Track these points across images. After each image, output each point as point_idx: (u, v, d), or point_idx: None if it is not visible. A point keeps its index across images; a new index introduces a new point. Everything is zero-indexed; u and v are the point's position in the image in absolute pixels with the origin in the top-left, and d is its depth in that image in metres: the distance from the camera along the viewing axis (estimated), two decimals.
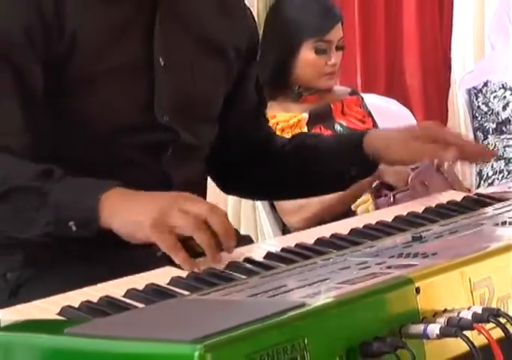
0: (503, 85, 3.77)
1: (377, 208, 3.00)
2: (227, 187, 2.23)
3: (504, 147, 3.85)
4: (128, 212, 1.57)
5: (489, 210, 1.87)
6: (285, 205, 3.10)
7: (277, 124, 3.12)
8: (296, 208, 3.06)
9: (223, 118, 2.03)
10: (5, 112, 1.74)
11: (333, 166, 2.04)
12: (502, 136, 3.85)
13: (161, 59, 1.85)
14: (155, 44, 1.85)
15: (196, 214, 1.52)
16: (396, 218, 1.83)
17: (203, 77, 1.95)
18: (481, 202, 1.94)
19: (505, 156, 3.85)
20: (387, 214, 1.85)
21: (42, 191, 1.62)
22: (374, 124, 3.25)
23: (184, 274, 1.52)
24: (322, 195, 2.44)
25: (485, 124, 3.86)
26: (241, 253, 1.65)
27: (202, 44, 1.94)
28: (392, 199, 2.85)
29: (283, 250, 1.64)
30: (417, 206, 1.91)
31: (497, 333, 1.27)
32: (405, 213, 1.86)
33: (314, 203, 3.00)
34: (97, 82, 1.81)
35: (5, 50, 1.75)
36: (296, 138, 2.16)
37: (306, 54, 3.14)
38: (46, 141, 1.78)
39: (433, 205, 1.91)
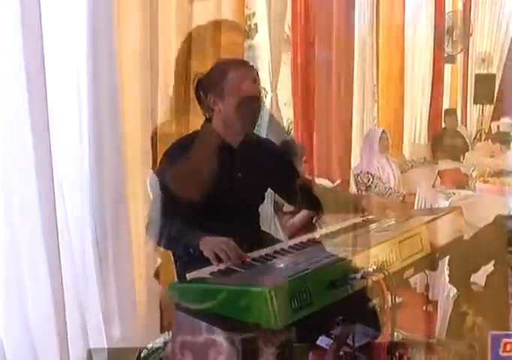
0: (367, 172, 4.11)
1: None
2: (290, 203, 2.46)
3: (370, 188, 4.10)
4: (204, 246, 1.82)
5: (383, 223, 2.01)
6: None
7: None
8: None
9: (285, 188, 2.23)
10: (173, 216, 1.96)
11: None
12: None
13: (239, 174, 2.10)
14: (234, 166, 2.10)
15: (223, 248, 1.77)
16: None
17: (256, 186, 2.15)
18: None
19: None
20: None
21: (187, 238, 1.90)
22: None
23: (257, 255, 1.73)
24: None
25: (361, 187, 4.13)
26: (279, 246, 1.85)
27: (256, 171, 2.11)
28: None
29: (295, 244, 1.85)
30: None
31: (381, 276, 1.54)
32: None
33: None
34: (216, 194, 2.02)
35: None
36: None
37: None
38: (196, 223, 1.96)
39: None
